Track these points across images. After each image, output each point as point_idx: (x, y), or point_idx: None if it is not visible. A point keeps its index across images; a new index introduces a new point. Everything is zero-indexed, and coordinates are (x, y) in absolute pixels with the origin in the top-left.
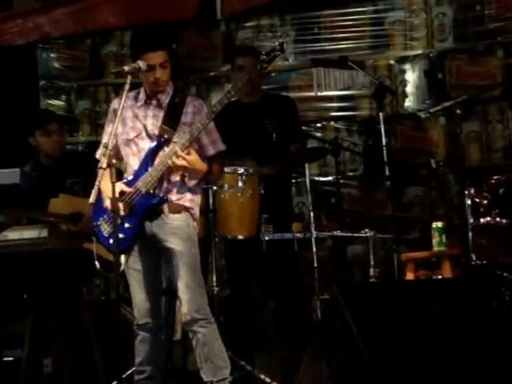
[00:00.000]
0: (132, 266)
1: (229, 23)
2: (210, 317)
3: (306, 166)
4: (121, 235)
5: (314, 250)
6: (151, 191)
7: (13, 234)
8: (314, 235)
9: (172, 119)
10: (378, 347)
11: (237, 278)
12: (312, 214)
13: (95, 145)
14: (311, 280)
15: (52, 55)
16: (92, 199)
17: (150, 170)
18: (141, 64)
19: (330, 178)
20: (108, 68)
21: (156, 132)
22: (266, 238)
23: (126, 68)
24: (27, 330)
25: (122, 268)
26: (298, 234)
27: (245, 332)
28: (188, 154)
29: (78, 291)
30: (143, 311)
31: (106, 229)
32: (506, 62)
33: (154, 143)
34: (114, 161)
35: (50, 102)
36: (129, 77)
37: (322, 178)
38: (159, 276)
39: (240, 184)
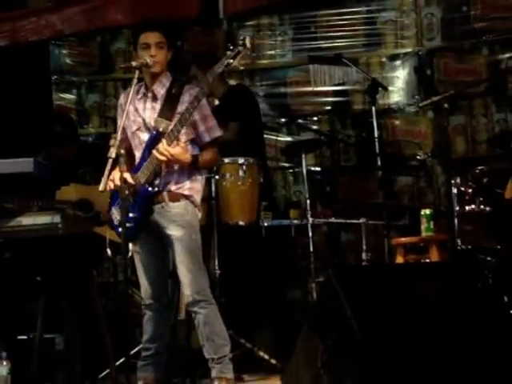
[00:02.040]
0: (139, 250)
1: (230, 22)
2: (211, 298)
3: (303, 156)
4: (128, 224)
5: (310, 235)
6: (149, 182)
7: (26, 220)
8: (310, 222)
9: (168, 110)
10: (369, 326)
11: (238, 261)
12: (308, 201)
13: (105, 136)
14: (307, 264)
15: (64, 51)
16: (101, 187)
17: (147, 161)
18: (148, 60)
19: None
20: (117, 63)
21: (153, 124)
22: (266, 224)
23: (134, 63)
24: (40, 311)
25: (129, 254)
26: (295, 221)
27: (245, 312)
28: (173, 146)
29: (89, 274)
30: (149, 292)
31: (116, 217)
32: (490, 59)
33: (152, 135)
34: (122, 151)
35: (61, 95)
36: (136, 72)
37: (317, 168)
38: (165, 260)
39: (241, 173)
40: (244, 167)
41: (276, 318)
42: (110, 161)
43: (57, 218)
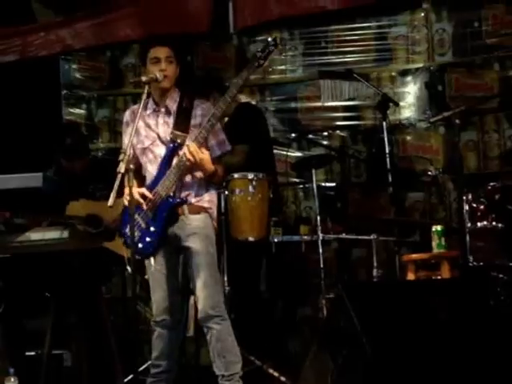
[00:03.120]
0: (154, 266)
1: (241, 37)
2: (225, 314)
3: (313, 171)
4: (148, 239)
5: (321, 251)
6: (171, 194)
7: (35, 235)
8: (321, 238)
9: (182, 123)
10: (380, 343)
11: (247, 277)
12: (319, 217)
13: (115, 151)
14: (317, 280)
15: (73, 66)
16: (110, 202)
17: (167, 174)
18: (157, 75)
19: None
20: (126, 78)
21: (168, 138)
22: (275, 240)
23: (144, 78)
24: (48, 327)
25: (152, 269)
26: (306, 237)
27: (255, 329)
28: (202, 152)
29: (97, 290)
30: (162, 309)
31: (134, 234)
32: (502, 74)
33: (169, 148)
34: (131, 166)
35: (71, 110)
36: (146, 87)
37: (328, 184)
38: (177, 275)
39: (250, 188)
40: (254, 182)
41: (286, 335)
42: (119, 176)
43: (65, 234)
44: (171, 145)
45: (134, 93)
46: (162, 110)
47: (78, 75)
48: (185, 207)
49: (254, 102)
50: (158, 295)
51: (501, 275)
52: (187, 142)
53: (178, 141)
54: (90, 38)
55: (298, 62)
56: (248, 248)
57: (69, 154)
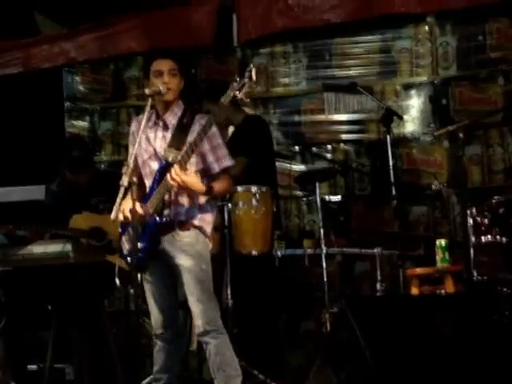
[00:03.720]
0: (149, 280)
1: (244, 50)
2: (222, 328)
3: (317, 185)
4: (137, 254)
5: (324, 265)
6: (158, 211)
7: (37, 248)
8: (324, 251)
9: (178, 140)
10: (383, 358)
11: (251, 291)
12: (322, 231)
13: (118, 164)
14: (321, 294)
15: (77, 78)
16: (113, 216)
17: (155, 192)
18: (161, 87)
19: (339, 197)
20: (130, 91)
21: (162, 154)
22: (279, 254)
23: (147, 91)
24: (50, 340)
25: (146, 288)
26: (309, 250)
27: (258, 343)
28: (185, 174)
29: (100, 303)
30: (159, 322)
31: (125, 247)
32: (506, 88)
33: (161, 165)
34: (134, 179)
35: (74, 122)
36: (149, 99)
37: (332, 197)
38: (175, 289)
39: (254, 202)
40: (257, 196)
41: (289, 349)
42: (122, 189)
43: (68, 247)
44: (162, 162)
45: (137, 105)
46: (161, 123)
47: (81, 87)
48: (175, 224)
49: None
50: (155, 309)
51: (505, 289)
52: (178, 159)
53: (169, 159)
54: (94, 50)
55: (302, 75)
56: (251, 262)
57: (74, 167)
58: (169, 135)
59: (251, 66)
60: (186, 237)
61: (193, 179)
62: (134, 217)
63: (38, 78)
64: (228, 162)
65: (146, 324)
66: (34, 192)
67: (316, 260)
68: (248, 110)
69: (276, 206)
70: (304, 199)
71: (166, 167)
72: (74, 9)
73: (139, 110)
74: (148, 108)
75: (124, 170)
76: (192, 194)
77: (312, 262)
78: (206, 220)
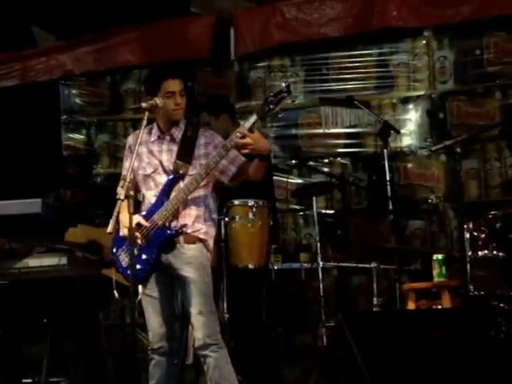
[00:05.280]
0: (149, 293)
1: (242, 63)
2: (222, 342)
3: (314, 199)
4: (138, 266)
5: (321, 279)
6: (167, 224)
7: (33, 262)
8: (321, 265)
9: (186, 153)
10: (380, 373)
11: (247, 305)
12: (319, 245)
13: (115, 177)
14: (317, 308)
15: (73, 91)
16: (110, 229)
17: (165, 204)
18: (157, 101)
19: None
20: (126, 104)
21: (171, 167)
22: (275, 268)
23: (144, 104)
24: (46, 354)
25: (139, 298)
26: (306, 264)
27: (254, 357)
28: (251, 132)
29: (95, 316)
30: (158, 336)
31: (124, 259)
32: (503, 103)
33: (170, 178)
34: (131, 192)
35: (70, 135)
36: (146, 113)
37: (328, 211)
38: (173, 303)
39: (250, 215)
40: (254, 209)
41: (285, 363)
42: (119, 202)
43: (64, 260)
44: (172, 175)
45: (133, 118)
46: (167, 137)
47: (78, 100)
48: (180, 236)
49: None
50: (154, 322)
51: (502, 305)
52: (190, 173)
53: (180, 171)
54: (91, 63)
55: (299, 89)
56: (248, 275)
57: (69, 186)
58: (175, 148)
59: (288, 81)
60: (191, 249)
61: (259, 135)
62: (135, 230)
63: (35, 91)
64: (242, 159)
65: (142, 337)
66: (31, 206)
67: (313, 274)
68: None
69: (274, 220)
70: (301, 213)
71: (175, 180)
72: (71, 22)
73: (136, 123)
74: (145, 122)
75: (121, 183)
76: (199, 205)
77: (308, 276)
78: (210, 233)
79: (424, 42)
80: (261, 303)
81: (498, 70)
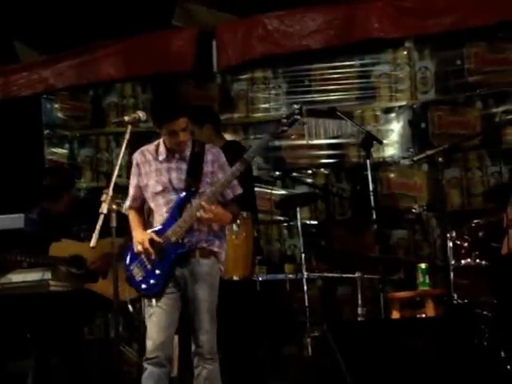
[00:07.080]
0: (158, 303)
1: (224, 75)
2: (216, 356)
3: (298, 210)
4: (152, 281)
5: (305, 289)
6: (180, 240)
7: (16, 277)
8: (305, 276)
9: (195, 170)
10: (365, 382)
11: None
12: (303, 255)
13: (97, 191)
14: (302, 318)
15: (56, 105)
16: (92, 243)
17: (178, 220)
18: (140, 114)
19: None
20: (109, 118)
21: (181, 184)
22: (260, 279)
23: (127, 118)
24: (30, 368)
25: (152, 311)
26: (290, 275)
27: (240, 368)
28: (216, 207)
29: (79, 331)
30: (156, 345)
31: (138, 273)
32: (484, 112)
33: (182, 195)
34: (114, 206)
35: (53, 150)
36: (129, 126)
37: (312, 222)
38: (177, 315)
39: (235, 227)
40: (238, 221)
41: (271, 374)
42: (102, 216)
43: (47, 275)
44: (185, 192)
45: (116, 132)
46: (176, 155)
47: (60, 114)
48: (196, 251)
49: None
50: (159, 333)
51: (485, 312)
52: (201, 190)
53: (193, 188)
54: (73, 77)
55: (282, 100)
56: (233, 287)
57: (47, 196)
58: (184, 166)
59: (299, 103)
60: (205, 265)
61: (221, 210)
62: (149, 245)
63: (17, 106)
64: (240, 189)
65: (127, 351)
66: (14, 221)
67: (297, 284)
68: (228, 137)
69: (256, 231)
70: (285, 224)
71: (188, 196)
72: (53, 36)
73: (118, 137)
74: (127, 136)
75: (103, 198)
76: (219, 223)
77: (293, 287)
78: (223, 247)
79: (405, 52)
80: (246, 314)
81: (479, 79)
